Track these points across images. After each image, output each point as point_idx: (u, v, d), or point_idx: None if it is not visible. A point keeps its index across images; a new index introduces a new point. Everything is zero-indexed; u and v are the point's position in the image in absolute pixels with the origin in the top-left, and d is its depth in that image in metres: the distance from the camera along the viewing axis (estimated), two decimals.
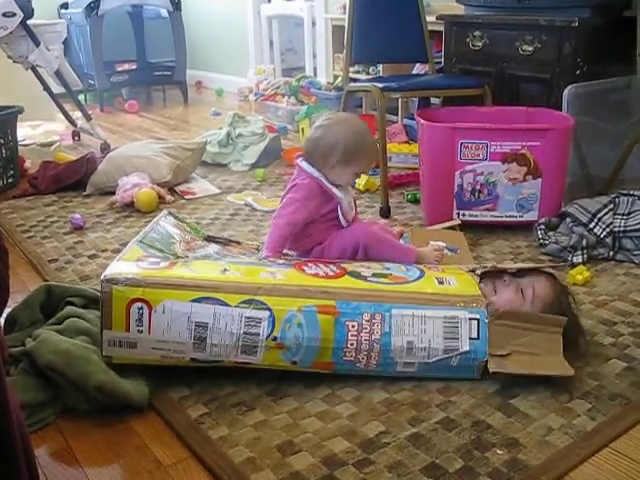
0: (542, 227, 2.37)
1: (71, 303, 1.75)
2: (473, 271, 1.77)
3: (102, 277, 1.51)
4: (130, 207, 2.87)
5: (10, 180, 3.26)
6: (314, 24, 5.21)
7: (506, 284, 1.72)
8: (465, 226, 2.45)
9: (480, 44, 3.14)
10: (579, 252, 2.20)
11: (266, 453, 1.34)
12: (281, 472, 1.29)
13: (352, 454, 1.33)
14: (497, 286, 1.72)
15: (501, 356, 1.52)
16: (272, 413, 1.47)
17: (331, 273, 1.68)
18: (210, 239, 2.14)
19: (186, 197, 3.06)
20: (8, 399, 0.93)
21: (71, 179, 3.18)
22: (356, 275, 1.68)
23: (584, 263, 2.18)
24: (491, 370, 1.50)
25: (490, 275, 1.76)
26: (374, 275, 1.69)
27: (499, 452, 1.33)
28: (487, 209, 2.46)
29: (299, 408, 1.49)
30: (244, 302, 1.51)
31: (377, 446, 1.36)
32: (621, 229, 2.20)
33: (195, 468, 1.33)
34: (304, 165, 2.00)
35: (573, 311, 1.70)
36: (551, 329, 1.55)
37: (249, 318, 1.50)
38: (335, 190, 1.96)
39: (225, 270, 1.61)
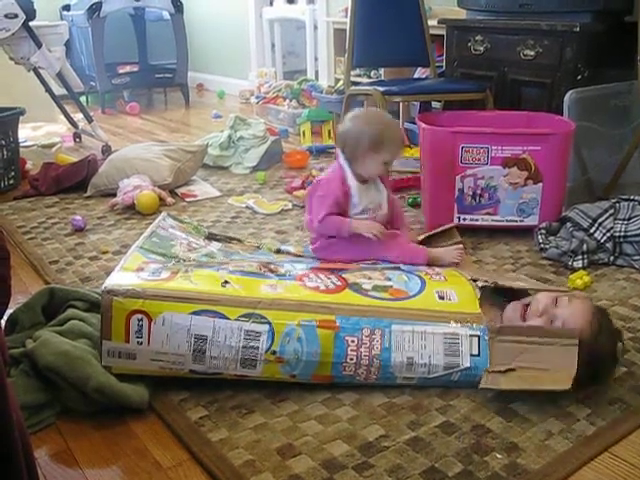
0: (542, 232, 2.37)
1: (74, 306, 1.75)
2: (475, 280, 1.77)
3: (102, 288, 1.52)
4: (131, 209, 2.87)
5: (11, 181, 3.27)
6: (316, 27, 5.21)
7: (538, 314, 1.62)
8: (466, 230, 2.45)
9: (481, 48, 3.15)
10: (579, 257, 2.21)
11: (266, 456, 1.34)
12: (281, 475, 1.29)
13: (352, 457, 1.33)
14: (528, 313, 1.64)
15: (499, 372, 1.50)
16: (272, 416, 1.47)
17: (332, 286, 1.68)
18: (212, 237, 2.14)
19: (187, 199, 3.06)
20: (8, 400, 0.93)
21: (72, 181, 3.18)
22: (356, 289, 1.68)
23: (584, 268, 2.18)
24: (480, 386, 1.49)
25: (524, 297, 1.71)
26: (374, 288, 1.69)
27: (498, 456, 1.33)
28: (488, 213, 2.46)
29: (299, 411, 1.49)
30: (244, 315, 1.52)
31: (377, 450, 1.36)
32: (622, 234, 2.20)
33: (195, 470, 1.33)
34: (342, 160, 2.10)
35: (612, 349, 1.57)
36: (564, 342, 1.48)
37: (248, 332, 1.51)
38: (353, 188, 2.06)
39: (225, 283, 1.62)
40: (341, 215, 2.06)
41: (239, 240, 2.23)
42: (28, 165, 3.54)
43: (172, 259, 1.80)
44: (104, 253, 2.42)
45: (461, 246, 2.17)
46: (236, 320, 1.51)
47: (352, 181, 2.07)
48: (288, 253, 2.19)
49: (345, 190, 2.06)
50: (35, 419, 1.46)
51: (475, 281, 1.77)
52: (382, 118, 2.11)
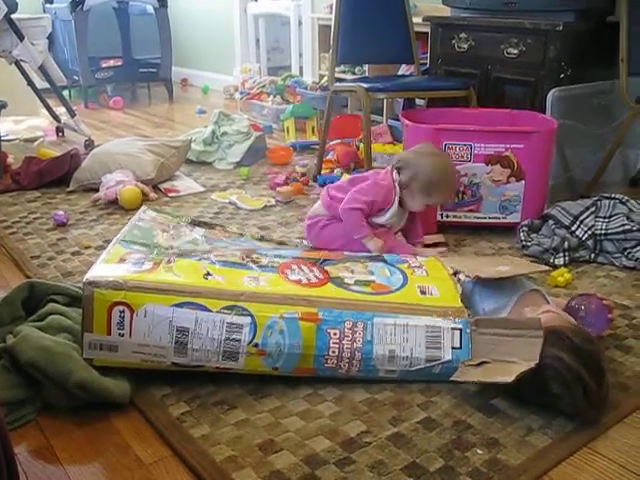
0: (525, 229, 2.38)
1: (54, 300, 1.74)
2: (457, 273, 1.78)
3: (84, 280, 1.51)
4: (114, 204, 2.85)
5: None
6: (300, 23, 5.20)
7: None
8: (448, 227, 2.47)
9: (466, 46, 3.16)
10: (561, 254, 2.22)
11: (247, 452, 1.34)
12: (262, 470, 1.29)
13: (333, 453, 1.34)
14: None
15: (473, 365, 1.50)
16: (254, 412, 1.47)
17: (314, 280, 1.68)
18: (195, 222, 2.14)
19: (170, 195, 3.05)
20: None
21: (54, 175, 3.16)
22: (338, 283, 1.68)
23: (565, 265, 2.20)
24: (450, 379, 1.50)
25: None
26: (357, 283, 1.69)
27: (479, 452, 1.34)
28: (470, 210, 2.47)
29: (281, 407, 1.49)
30: (226, 308, 1.51)
31: (358, 445, 1.36)
32: (602, 232, 2.22)
33: (176, 466, 1.33)
34: (395, 174, 2.17)
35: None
36: (531, 333, 1.49)
37: (231, 324, 1.50)
38: (393, 209, 2.16)
39: (208, 274, 1.61)
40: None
41: (222, 226, 2.23)
42: (10, 159, 3.50)
43: (155, 248, 1.78)
44: (86, 248, 2.41)
45: (445, 249, 2.29)
46: (218, 312, 1.51)
47: (396, 202, 2.16)
48: (271, 240, 2.20)
49: (385, 205, 2.15)
50: (15, 415, 1.45)
51: (457, 274, 1.78)
52: (447, 166, 2.21)
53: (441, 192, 2.18)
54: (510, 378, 1.40)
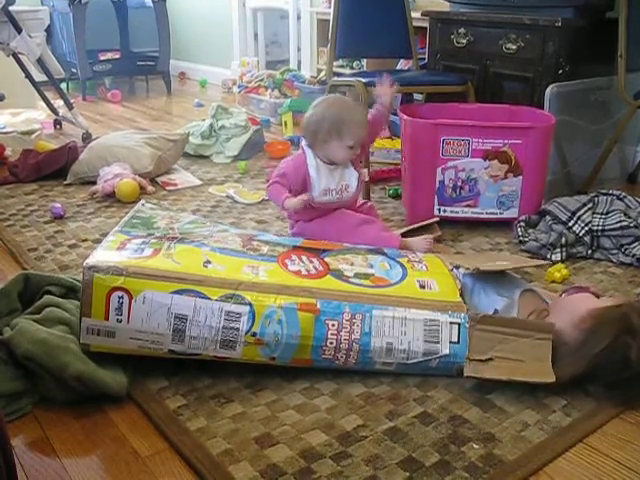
0: (522, 224, 2.39)
1: (49, 292, 1.74)
2: (457, 267, 1.78)
3: (84, 264, 1.50)
4: (111, 197, 2.85)
5: None
6: (299, 17, 5.19)
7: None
8: (446, 222, 2.47)
9: (464, 41, 3.15)
10: (558, 250, 2.23)
11: (244, 445, 1.34)
12: (259, 464, 1.29)
13: (330, 447, 1.34)
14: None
15: (480, 361, 1.51)
16: (250, 405, 1.47)
17: (313, 272, 1.68)
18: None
19: (167, 188, 3.05)
20: None
21: (52, 168, 3.15)
22: (338, 275, 1.68)
23: (563, 261, 2.20)
24: (465, 375, 1.50)
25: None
26: (356, 275, 1.69)
27: (475, 446, 1.34)
28: (468, 205, 2.48)
29: (277, 401, 1.49)
30: (225, 296, 1.51)
31: (355, 439, 1.36)
32: (600, 228, 2.23)
33: (173, 459, 1.33)
34: (304, 144, 2.16)
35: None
36: (538, 335, 1.51)
37: (229, 312, 1.50)
38: (312, 168, 2.11)
39: (207, 262, 1.61)
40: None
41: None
42: (7, 152, 3.50)
43: (155, 230, 1.77)
44: (83, 241, 2.41)
45: (431, 236, 2.22)
46: (217, 300, 1.50)
47: (312, 162, 2.12)
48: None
49: (302, 171, 2.12)
50: (12, 407, 1.45)
51: (457, 268, 1.78)
52: (342, 103, 2.15)
53: (348, 126, 2.06)
54: (551, 378, 1.44)
